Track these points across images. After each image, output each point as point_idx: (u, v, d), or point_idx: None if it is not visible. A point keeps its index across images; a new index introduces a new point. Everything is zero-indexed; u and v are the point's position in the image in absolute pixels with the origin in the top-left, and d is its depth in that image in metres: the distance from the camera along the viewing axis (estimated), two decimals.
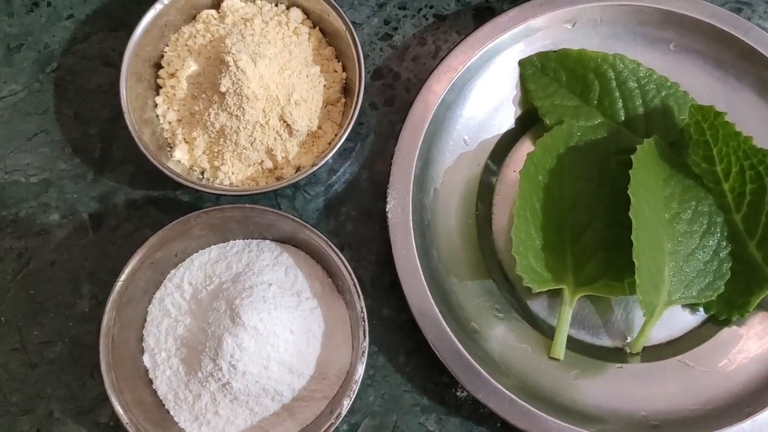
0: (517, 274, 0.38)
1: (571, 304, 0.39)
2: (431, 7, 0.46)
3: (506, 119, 0.43)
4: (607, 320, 0.41)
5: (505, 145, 0.43)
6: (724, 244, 0.39)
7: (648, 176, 0.39)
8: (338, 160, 0.44)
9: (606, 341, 0.41)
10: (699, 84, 0.43)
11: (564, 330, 0.39)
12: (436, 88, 0.42)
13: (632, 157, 0.38)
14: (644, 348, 0.40)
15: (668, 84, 0.43)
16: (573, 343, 0.40)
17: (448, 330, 0.38)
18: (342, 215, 0.43)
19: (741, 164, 0.38)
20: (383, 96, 0.45)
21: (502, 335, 0.40)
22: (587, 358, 0.40)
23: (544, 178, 0.40)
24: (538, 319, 0.41)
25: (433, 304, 0.39)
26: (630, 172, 0.37)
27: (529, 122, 0.44)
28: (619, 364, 0.40)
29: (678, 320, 0.41)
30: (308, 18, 0.44)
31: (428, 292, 0.39)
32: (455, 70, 0.42)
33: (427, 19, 0.46)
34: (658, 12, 0.43)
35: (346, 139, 0.40)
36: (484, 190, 0.43)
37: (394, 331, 0.41)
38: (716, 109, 0.39)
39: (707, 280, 0.38)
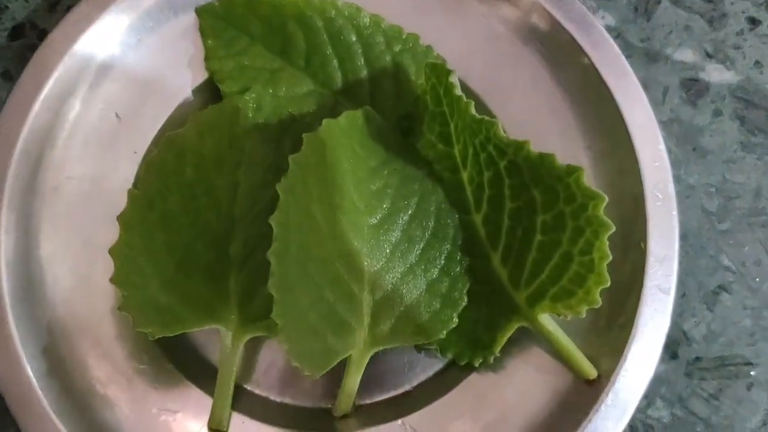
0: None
1: (234, 350, 0.27)
2: None
3: (182, 87, 0.31)
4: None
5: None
6: (458, 256, 0.27)
7: (343, 165, 0.27)
8: None
9: (305, 401, 0.29)
10: (452, 38, 0.31)
11: (226, 390, 0.27)
12: (60, 46, 0.29)
13: (306, 137, 0.26)
14: (359, 407, 0.29)
15: (404, 36, 0.31)
16: (253, 405, 0.28)
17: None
18: None
19: (474, 144, 0.27)
20: (24, 62, 0.33)
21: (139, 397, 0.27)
22: (275, 428, 0.28)
23: (195, 173, 0.27)
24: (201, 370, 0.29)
25: None
26: (291, 158, 0.25)
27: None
28: None
29: (413, 365, 0.29)
30: None
31: None
32: (90, 22, 0.29)
33: None
34: None
35: None
36: None
37: None
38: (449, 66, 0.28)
39: (432, 310, 0.27)
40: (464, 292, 0.27)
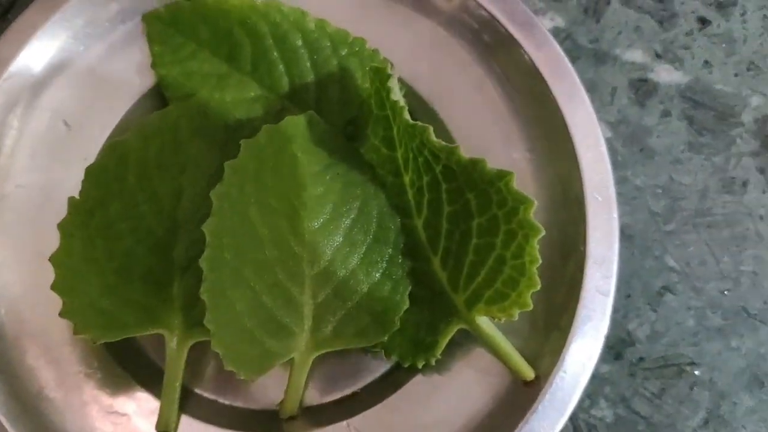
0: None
1: (180, 353, 0.27)
2: None
3: (131, 94, 0.31)
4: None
5: None
6: (400, 260, 0.27)
7: (284, 170, 0.27)
8: None
9: (253, 404, 0.29)
10: (395, 39, 0.31)
11: (172, 393, 0.27)
12: (4, 54, 0.29)
13: (244, 143, 0.26)
14: (306, 409, 0.29)
15: (350, 39, 0.31)
16: (201, 407, 0.29)
17: None
18: None
19: (411, 148, 0.27)
20: None
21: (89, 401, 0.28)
22: (222, 430, 0.28)
23: (137, 179, 0.27)
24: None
25: None
26: (227, 164, 0.26)
27: None
28: None
29: (359, 368, 0.29)
30: None
31: None
32: (34, 29, 0.29)
33: None
34: None
35: None
36: None
37: None
38: (388, 70, 0.28)
39: (375, 313, 0.26)
40: (406, 295, 0.27)
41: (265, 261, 0.26)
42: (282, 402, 0.28)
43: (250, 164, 0.26)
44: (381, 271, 0.27)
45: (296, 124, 0.28)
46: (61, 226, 0.27)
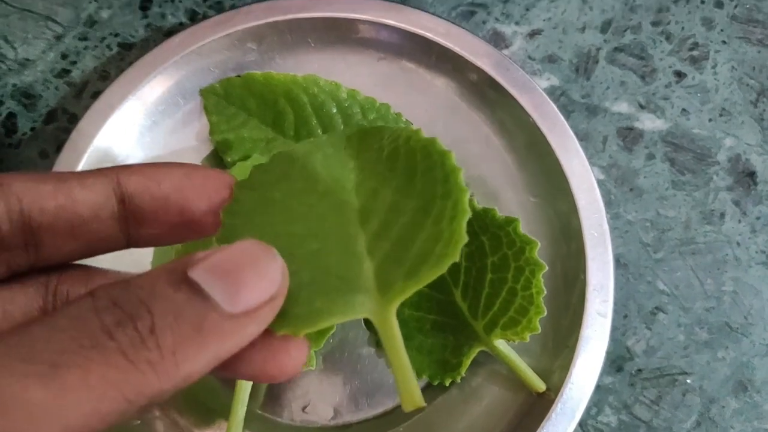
0: None
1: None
2: (116, 35, 0.39)
3: (192, 159, 0.36)
4: (300, 391, 0.33)
5: None
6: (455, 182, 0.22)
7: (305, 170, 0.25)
8: None
9: (289, 419, 0.34)
10: (415, 104, 0.36)
11: (239, 412, 0.32)
12: (89, 130, 0.35)
13: (254, 167, 0.23)
14: (365, 421, 0.33)
15: (377, 105, 0.36)
16: (253, 422, 0.34)
17: None
18: None
19: None
20: (57, 142, 0.38)
21: None
22: None
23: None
24: None
25: None
26: (236, 184, 0.25)
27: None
28: None
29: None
30: None
31: None
32: (113, 109, 0.35)
33: (111, 49, 0.39)
34: (363, 24, 0.37)
35: None
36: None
37: None
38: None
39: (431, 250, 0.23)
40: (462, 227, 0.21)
41: (302, 233, 0.23)
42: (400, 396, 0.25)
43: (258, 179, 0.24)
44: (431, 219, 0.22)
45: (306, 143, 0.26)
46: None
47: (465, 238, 0.21)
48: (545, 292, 0.29)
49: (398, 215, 0.24)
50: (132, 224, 0.21)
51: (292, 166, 0.26)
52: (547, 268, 0.29)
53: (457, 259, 0.21)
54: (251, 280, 0.18)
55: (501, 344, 0.31)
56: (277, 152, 0.26)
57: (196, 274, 0.17)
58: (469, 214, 0.22)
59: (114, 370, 0.15)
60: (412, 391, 0.20)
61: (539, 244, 0.29)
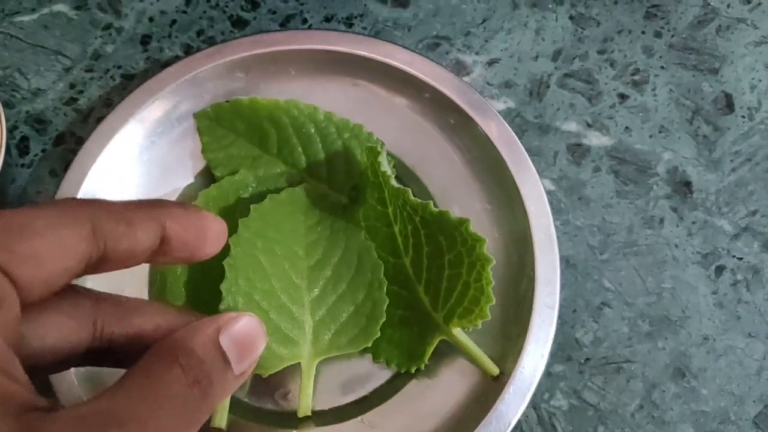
0: None
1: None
2: (119, 67, 0.44)
3: (187, 174, 0.41)
4: (281, 382, 0.37)
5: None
6: (377, 283, 0.35)
7: (284, 225, 0.36)
8: None
9: (272, 405, 0.37)
10: (385, 124, 0.40)
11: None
12: (94, 150, 0.39)
13: (254, 207, 0.36)
14: (329, 409, 0.37)
15: (351, 126, 0.41)
16: (239, 408, 0.37)
17: None
18: None
19: (398, 205, 0.36)
20: (65, 162, 0.43)
21: None
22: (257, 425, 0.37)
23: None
24: None
25: None
26: (241, 221, 0.35)
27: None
28: (293, 431, 0.36)
29: (369, 376, 0.38)
30: None
31: None
32: (115, 131, 0.39)
33: (115, 80, 0.44)
34: (338, 55, 0.42)
35: None
36: None
37: None
38: (378, 148, 0.37)
39: (360, 326, 0.35)
40: (383, 309, 0.35)
41: (271, 289, 0.35)
42: (299, 403, 0.35)
43: (259, 222, 0.35)
44: (364, 293, 0.35)
45: (293, 193, 0.37)
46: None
47: (383, 317, 0.35)
48: (494, 283, 0.33)
49: (337, 282, 0.36)
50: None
51: (266, 223, 0.36)
52: (494, 261, 0.33)
53: (377, 335, 0.36)
54: (254, 352, 0.26)
55: (459, 333, 0.35)
56: (255, 207, 0.37)
57: (224, 342, 0.25)
58: (387, 301, 0.35)
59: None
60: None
61: (487, 241, 0.33)
